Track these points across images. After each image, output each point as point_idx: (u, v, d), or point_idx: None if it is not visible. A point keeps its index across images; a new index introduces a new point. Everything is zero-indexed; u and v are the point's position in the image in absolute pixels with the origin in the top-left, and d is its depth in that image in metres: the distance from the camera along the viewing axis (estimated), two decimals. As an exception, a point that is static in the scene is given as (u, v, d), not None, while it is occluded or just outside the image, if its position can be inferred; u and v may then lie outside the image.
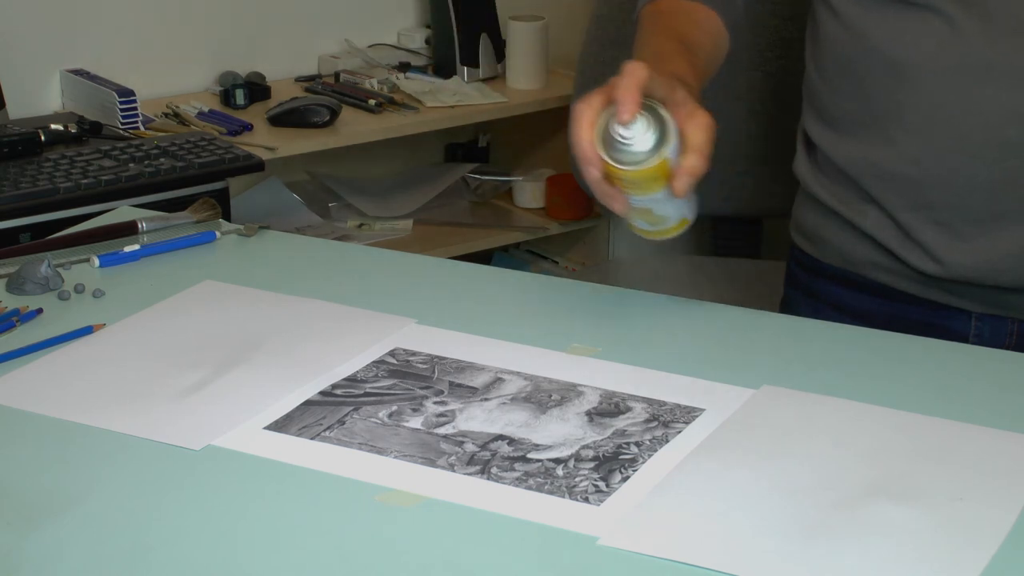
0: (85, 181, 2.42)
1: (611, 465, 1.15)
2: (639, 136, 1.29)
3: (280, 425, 1.21)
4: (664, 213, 1.38)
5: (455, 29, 3.09)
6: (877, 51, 1.49)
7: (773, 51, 2.54)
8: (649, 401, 1.25)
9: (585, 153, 1.29)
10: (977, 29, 1.43)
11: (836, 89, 1.56)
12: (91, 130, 2.67)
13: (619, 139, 1.29)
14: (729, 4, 1.58)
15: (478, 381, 1.28)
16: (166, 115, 2.86)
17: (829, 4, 1.53)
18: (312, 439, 1.19)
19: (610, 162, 1.30)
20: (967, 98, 1.45)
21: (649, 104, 1.30)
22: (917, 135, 1.48)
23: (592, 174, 1.30)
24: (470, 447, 1.17)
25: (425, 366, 1.31)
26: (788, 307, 1.69)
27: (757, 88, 2.55)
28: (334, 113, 2.85)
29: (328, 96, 2.94)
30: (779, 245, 2.89)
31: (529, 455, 1.16)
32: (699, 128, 1.31)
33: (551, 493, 1.11)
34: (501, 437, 1.19)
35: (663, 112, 1.30)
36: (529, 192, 3.24)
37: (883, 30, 1.48)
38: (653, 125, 1.29)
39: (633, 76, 1.28)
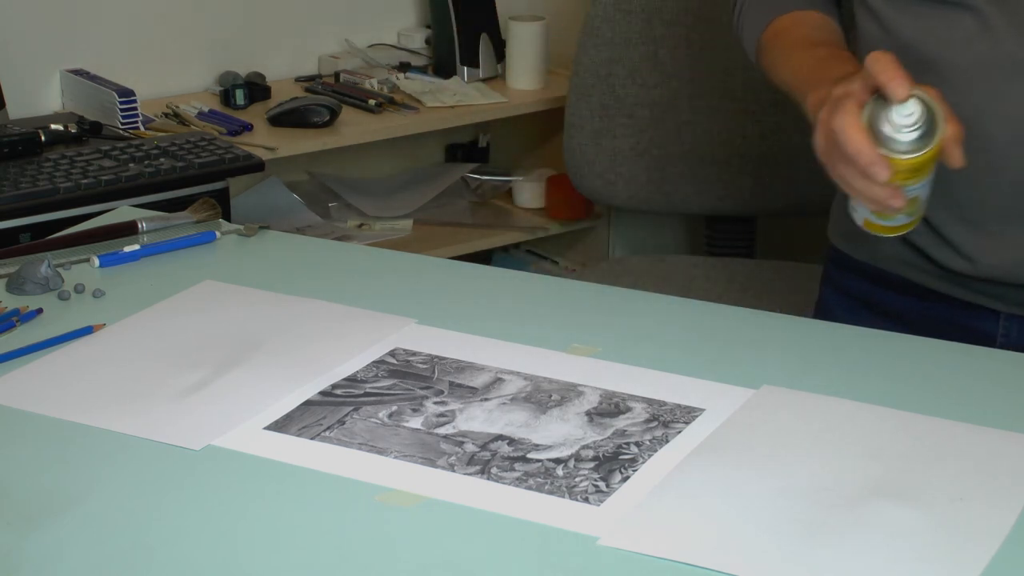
0: (85, 181, 2.42)
1: (611, 465, 1.15)
2: (917, 117, 1.23)
3: (280, 425, 1.21)
4: (926, 196, 1.31)
5: (455, 29, 3.09)
6: (908, 48, 1.49)
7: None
8: (649, 401, 1.25)
9: (869, 158, 1.23)
10: (1007, 26, 1.43)
11: None
12: (91, 130, 2.67)
13: (898, 126, 1.22)
14: (831, 5, 1.58)
15: (478, 381, 1.28)
16: (166, 115, 2.86)
17: (866, 3, 1.54)
18: (312, 439, 1.19)
19: (895, 155, 1.23)
20: (994, 94, 1.45)
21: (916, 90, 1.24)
22: None
23: (882, 175, 1.24)
24: (470, 447, 1.17)
25: (425, 366, 1.31)
26: (823, 306, 1.69)
27: (753, 88, 2.56)
28: (334, 113, 2.85)
29: (328, 96, 2.94)
30: (773, 245, 2.90)
31: (529, 455, 1.16)
32: (935, 98, 1.26)
33: (551, 493, 1.11)
34: (501, 437, 1.19)
35: (916, 90, 1.24)
36: (529, 192, 3.24)
37: (915, 27, 1.49)
38: (920, 104, 1.23)
39: (887, 57, 1.23)
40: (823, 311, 1.67)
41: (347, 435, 1.19)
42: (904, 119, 1.22)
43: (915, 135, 1.23)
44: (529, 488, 1.12)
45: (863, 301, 1.63)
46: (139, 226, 1.59)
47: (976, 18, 1.44)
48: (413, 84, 3.07)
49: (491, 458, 1.16)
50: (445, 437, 1.19)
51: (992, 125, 1.45)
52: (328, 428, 1.20)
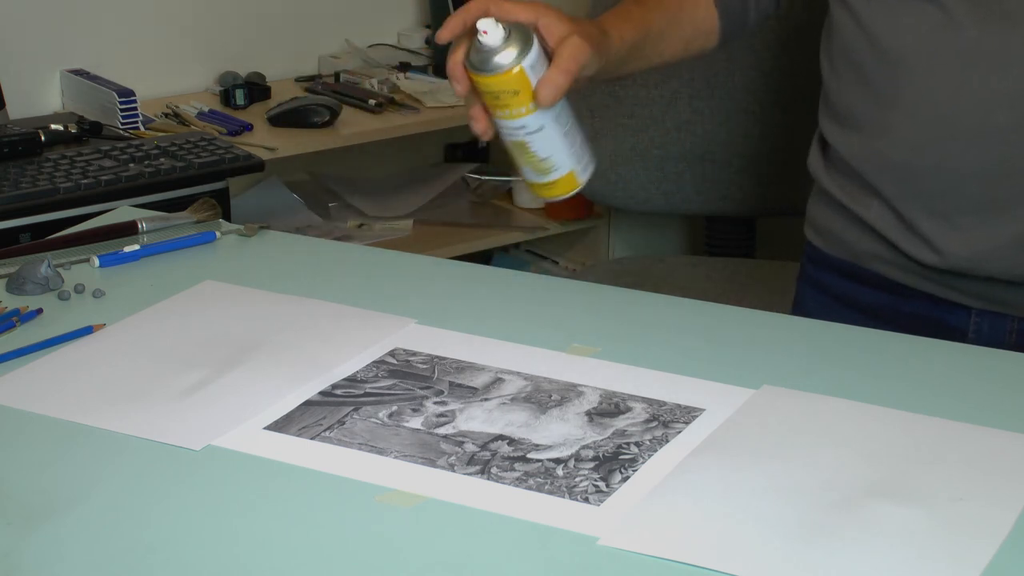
0: (85, 181, 2.42)
1: (611, 465, 1.15)
2: (496, 44, 1.32)
3: (280, 425, 1.21)
4: (544, 154, 1.38)
5: (455, 29, 3.08)
6: (876, 40, 1.51)
7: (769, 51, 2.54)
8: (649, 401, 1.25)
9: (452, 69, 1.35)
10: (968, 14, 1.44)
11: (842, 80, 1.58)
12: (91, 130, 2.67)
13: (478, 48, 1.32)
14: None
15: (478, 381, 1.28)
16: (166, 115, 2.86)
17: None
18: (312, 439, 1.19)
19: (471, 71, 1.34)
20: (957, 83, 1.46)
21: (515, 22, 1.34)
22: (911, 123, 1.50)
23: (458, 89, 1.36)
24: (470, 447, 1.17)
25: (425, 366, 1.31)
26: (799, 302, 1.70)
27: (753, 88, 2.56)
28: (334, 113, 2.85)
29: (328, 96, 2.94)
30: (773, 245, 2.90)
31: (529, 455, 1.16)
32: (567, 47, 1.35)
33: (551, 493, 1.11)
34: (501, 437, 1.19)
35: (528, 29, 1.34)
36: (529, 192, 3.23)
37: (883, 18, 1.50)
38: (515, 38, 1.32)
39: None
40: (799, 307, 1.68)
41: (347, 435, 1.19)
42: (480, 41, 1.32)
43: (486, 59, 1.32)
44: (529, 488, 1.12)
45: (838, 297, 1.63)
46: (139, 226, 1.59)
47: (941, 9, 1.46)
48: (413, 84, 3.07)
49: (491, 458, 1.16)
50: (445, 437, 1.19)
51: (956, 115, 1.46)
52: (328, 428, 1.20)
